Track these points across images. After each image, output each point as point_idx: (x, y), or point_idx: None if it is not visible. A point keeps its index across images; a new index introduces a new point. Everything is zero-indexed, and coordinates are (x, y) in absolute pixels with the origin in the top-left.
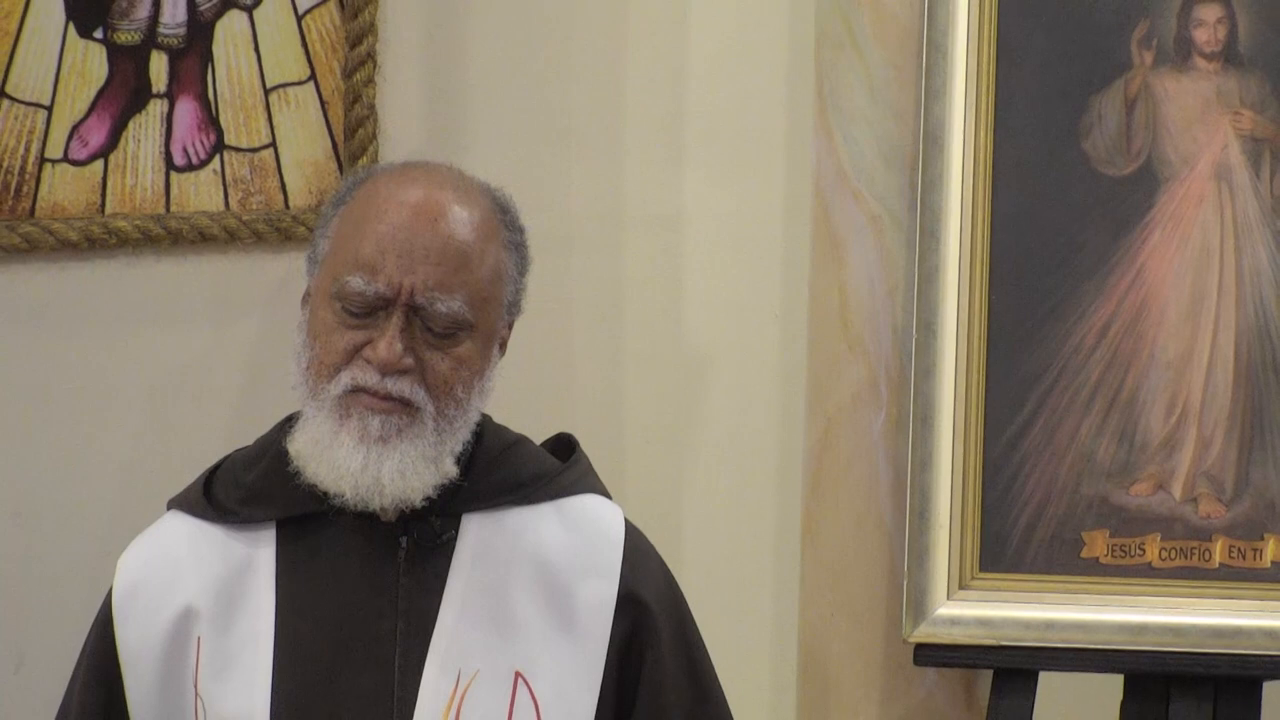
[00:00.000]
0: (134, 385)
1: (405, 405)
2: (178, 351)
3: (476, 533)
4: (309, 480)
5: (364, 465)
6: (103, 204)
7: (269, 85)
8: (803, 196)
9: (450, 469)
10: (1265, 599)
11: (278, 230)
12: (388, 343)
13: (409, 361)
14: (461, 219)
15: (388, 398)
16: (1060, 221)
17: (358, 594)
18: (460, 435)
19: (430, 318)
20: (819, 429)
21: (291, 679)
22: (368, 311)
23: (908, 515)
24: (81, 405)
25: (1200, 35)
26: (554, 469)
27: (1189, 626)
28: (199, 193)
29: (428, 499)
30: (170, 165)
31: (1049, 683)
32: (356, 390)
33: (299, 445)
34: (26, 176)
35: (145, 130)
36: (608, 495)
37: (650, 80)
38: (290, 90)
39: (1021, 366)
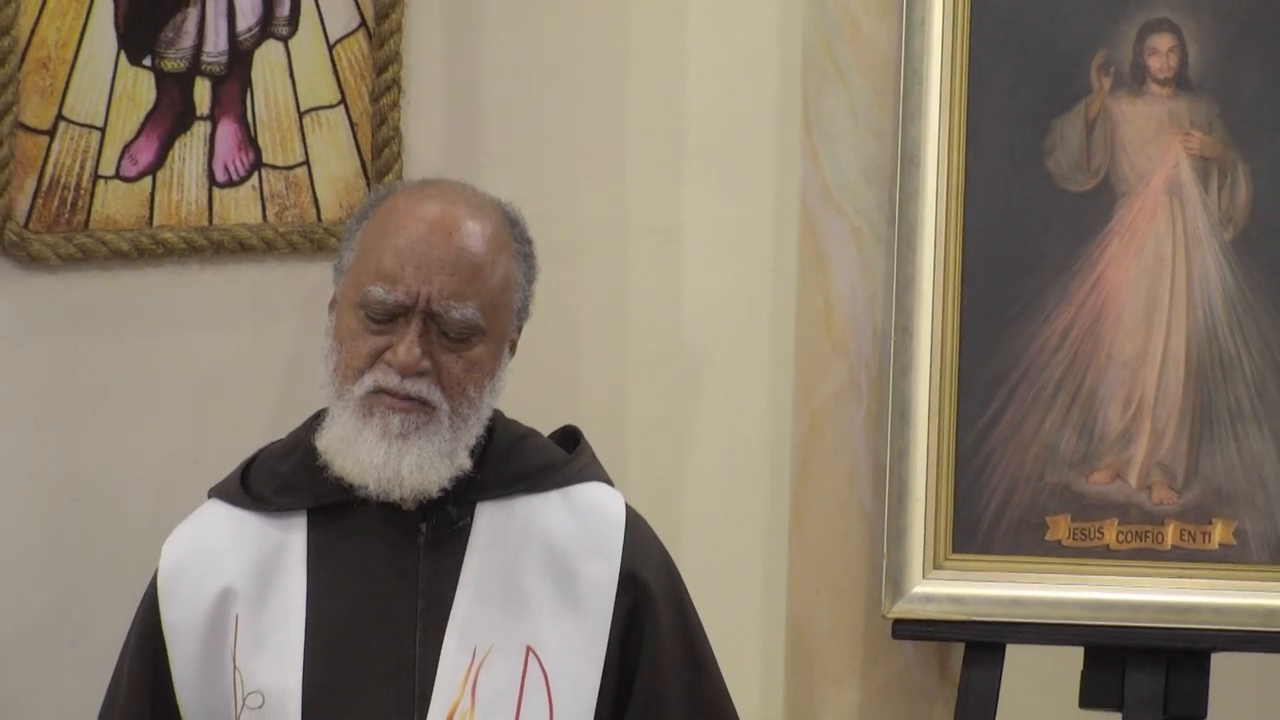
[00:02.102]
0: (179, 383)
1: (423, 405)
2: (219, 352)
3: (490, 519)
4: (336, 473)
5: (385, 460)
6: (151, 217)
7: (303, 109)
8: (791, 210)
9: (464, 462)
10: (1213, 578)
11: (311, 241)
12: (407, 347)
13: (426, 364)
14: (474, 232)
15: (407, 398)
16: (1026, 233)
17: (382, 576)
18: (473, 431)
19: (446, 324)
20: (805, 422)
21: (321, 654)
22: (388, 318)
23: (886, 501)
24: (132, 401)
25: (1154, 63)
26: (561, 459)
27: (1144, 603)
28: (239, 207)
29: (444, 489)
30: (213, 182)
31: (1016, 655)
32: (379, 391)
33: (327, 441)
34: (82, 192)
35: (190, 150)
36: (610, 483)
37: (651, 103)
38: (322, 113)
39: (990, 365)
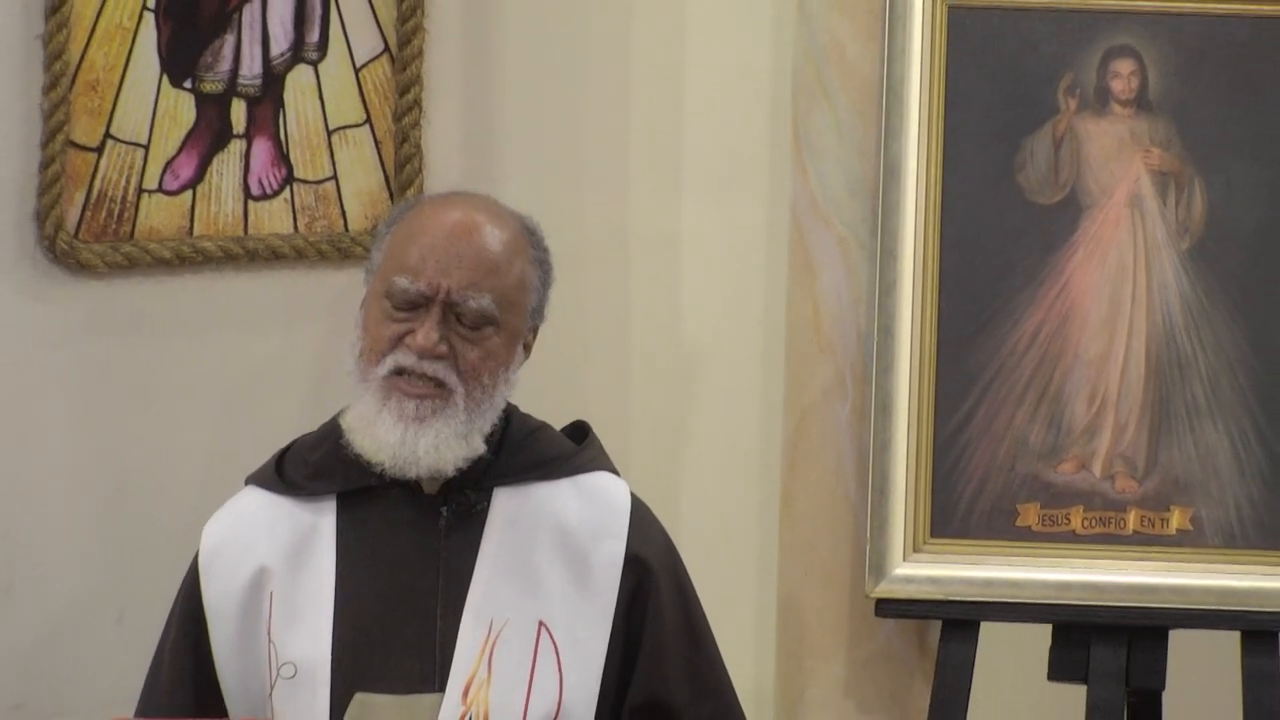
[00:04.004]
0: (218, 380)
1: (439, 388)
2: (254, 352)
3: (506, 504)
4: (356, 450)
5: (402, 440)
6: (191, 228)
7: (331, 127)
8: (781, 221)
9: (478, 445)
10: (1171, 561)
11: (338, 250)
12: (425, 332)
13: (444, 349)
14: (493, 235)
15: (425, 378)
16: (999, 243)
17: (405, 555)
18: (488, 417)
19: (463, 313)
20: (795, 417)
21: (349, 627)
22: (410, 307)
23: (870, 490)
24: (174, 397)
25: (1116, 85)
26: (571, 450)
27: (1107, 584)
28: (272, 218)
29: (459, 469)
30: (248, 195)
31: (989, 631)
32: (399, 371)
33: (350, 419)
34: (127, 205)
35: (227, 165)
36: (616, 472)
37: (652, 123)
38: (349, 132)
39: (966, 365)
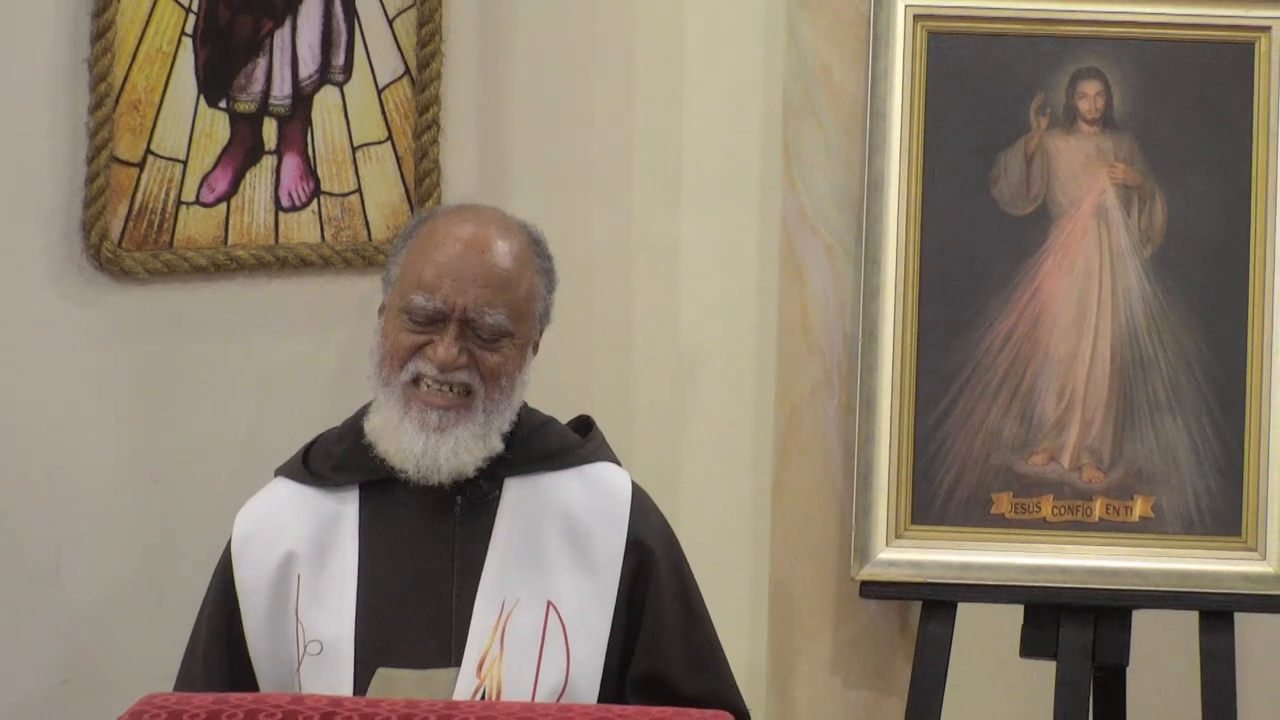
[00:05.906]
0: (249, 379)
1: (464, 393)
2: (284, 353)
3: (516, 493)
4: (381, 455)
5: (424, 449)
6: (226, 237)
7: (356, 144)
8: (773, 230)
9: (497, 444)
10: (1134, 546)
11: (362, 258)
12: (445, 347)
13: (463, 360)
14: (503, 250)
15: (448, 385)
16: (974, 251)
17: (423, 541)
18: (505, 417)
19: (479, 328)
20: (785, 413)
21: (371, 608)
22: (428, 322)
23: (855, 480)
24: (208, 394)
25: (1083, 105)
26: (576, 443)
27: (1075, 568)
28: (301, 228)
29: (478, 469)
30: (279, 207)
31: (966, 612)
32: (419, 378)
33: (373, 425)
34: (166, 216)
35: (259, 179)
36: (619, 463)
37: (654, 140)
38: (372, 148)
39: (944, 364)
